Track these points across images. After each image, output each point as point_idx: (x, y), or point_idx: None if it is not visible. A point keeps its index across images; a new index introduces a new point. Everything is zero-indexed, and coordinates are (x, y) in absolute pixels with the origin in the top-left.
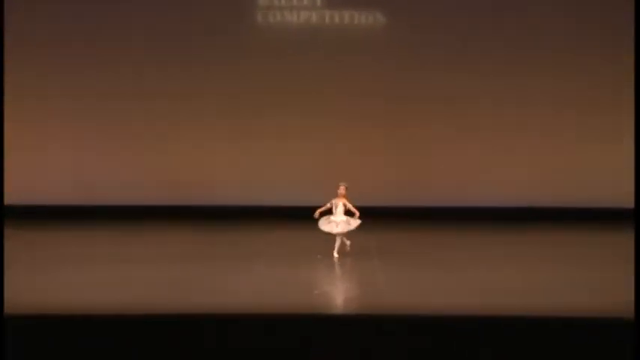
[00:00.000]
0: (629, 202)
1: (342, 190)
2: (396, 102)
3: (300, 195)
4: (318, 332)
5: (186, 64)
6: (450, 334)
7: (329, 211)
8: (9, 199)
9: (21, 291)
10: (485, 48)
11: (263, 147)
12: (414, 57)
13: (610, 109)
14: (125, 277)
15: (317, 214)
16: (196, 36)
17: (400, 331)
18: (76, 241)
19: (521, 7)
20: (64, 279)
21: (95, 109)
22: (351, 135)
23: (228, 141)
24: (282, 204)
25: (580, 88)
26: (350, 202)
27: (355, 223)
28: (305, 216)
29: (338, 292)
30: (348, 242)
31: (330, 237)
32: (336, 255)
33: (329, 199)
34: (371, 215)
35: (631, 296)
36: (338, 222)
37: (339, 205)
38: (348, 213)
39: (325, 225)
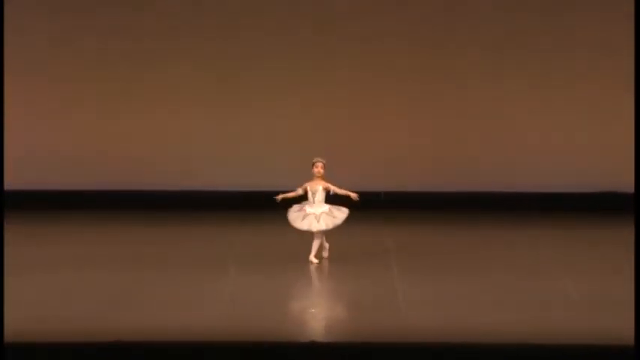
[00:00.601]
0: None
1: (319, 168)
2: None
3: (289, 179)
4: None
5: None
6: None
7: (300, 199)
8: None
9: None
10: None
11: (247, 117)
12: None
13: None
14: (42, 288)
15: (279, 197)
16: None
17: None
18: None
19: None
20: None
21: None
22: (359, 102)
23: (203, 110)
24: (266, 189)
25: None
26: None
27: (342, 214)
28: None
29: (342, 312)
30: (326, 245)
31: (306, 235)
32: (314, 260)
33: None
34: (386, 205)
35: None
36: (318, 214)
37: (318, 190)
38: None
39: (299, 220)
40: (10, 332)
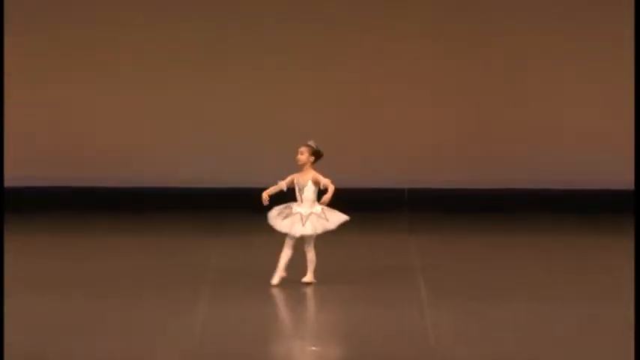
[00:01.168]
0: None
1: (303, 156)
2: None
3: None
4: None
5: None
6: None
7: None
8: None
9: None
10: None
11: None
12: None
13: None
14: None
15: (265, 196)
16: None
17: None
18: None
19: None
20: None
21: None
22: (377, 90)
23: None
24: (252, 185)
25: None
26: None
27: (338, 218)
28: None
29: (351, 351)
30: (312, 259)
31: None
32: (276, 281)
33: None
34: (410, 205)
35: None
36: (306, 215)
37: (307, 183)
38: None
39: (280, 219)
40: None
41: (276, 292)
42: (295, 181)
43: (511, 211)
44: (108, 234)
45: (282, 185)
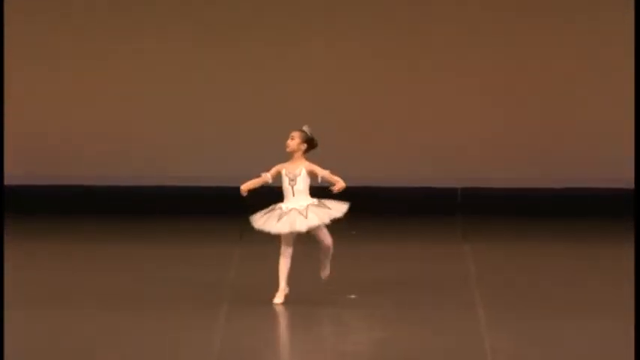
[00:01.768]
0: None
1: (294, 141)
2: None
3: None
4: None
5: None
6: None
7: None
8: None
9: None
10: None
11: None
12: None
13: None
14: None
15: (244, 189)
16: None
17: None
18: None
19: None
20: None
21: None
22: (424, 75)
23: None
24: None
25: None
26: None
27: (341, 206)
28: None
29: None
30: (327, 240)
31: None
32: (279, 299)
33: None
34: (464, 206)
35: None
36: (303, 208)
37: (301, 173)
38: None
39: (274, 221)
40: None
41: (310, 306)
42: (284, 172)
43: (582, 213)
44: (114, 239)
45: (267, 177)
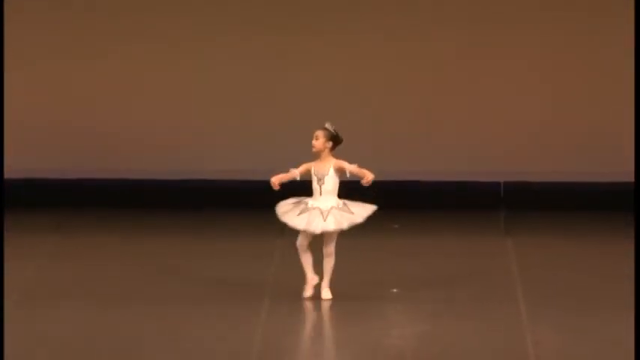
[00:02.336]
0: None
1: (319, 141)
2: None
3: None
4: None
5: None
6: None
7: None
8: None
9: None
10: None
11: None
12: None
13: None
14: None
15: (276, 182)
16: None
17: None
18: None
19: None
20: None
21: None
22: (465, 61)
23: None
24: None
25: None
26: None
27: (364, 210)
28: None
29: None
30: (331, 262)
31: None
32: (309, 293)
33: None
34: (507, 201)
35: None
36: (325, 210)
37: (329, 172)
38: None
39: (294, 214)
40: None
41: (352, 300)
42: (313, 171)
43: (627, 208)
44: (158, 234)
45: (295, 174)
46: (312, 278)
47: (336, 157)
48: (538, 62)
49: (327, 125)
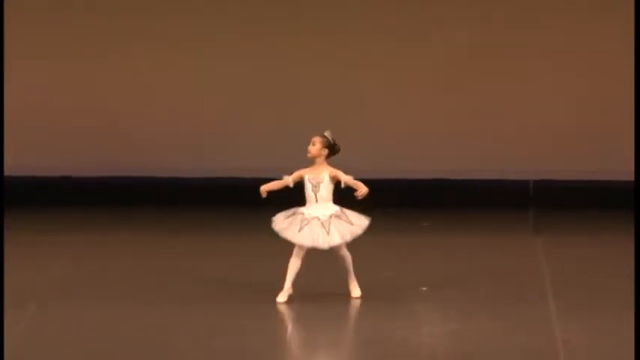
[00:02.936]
0: None
1: (315, 147)
2: None
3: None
4: None
5: None
6: None
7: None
8: None
9: None
10: None
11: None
12: None
13: None
14: None
15: (264, 190)
16: None
17: None
18: None
19: None
20: None
21: None
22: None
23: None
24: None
25: None
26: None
27: (361, 221)
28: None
29: None
30: (347, 259)
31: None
32: (283, 298)
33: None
34: (536, 200)
35: None
36: (326, 219)
37: (324, 179)
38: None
39: (294, 229)
40: None
41: (382, 298)
42: (307, 178)
43: None
44: (178, 231)
45: (289, 181)
46: (288, 288)
47: (333, 165)
48: (566, 62)
49: (326, 133)
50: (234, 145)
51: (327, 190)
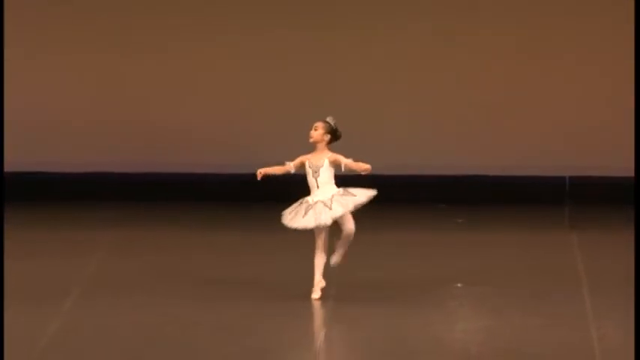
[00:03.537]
0: None
1: (317, 132)
2: None
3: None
4: None
5: None
6: None
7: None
8: None
9: None
10: None
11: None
12: None
13: None
14: None
15: (262, 172)
16: None
17: None
18: None
19: None
20: None
21: None
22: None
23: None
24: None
25: None
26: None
27: (365, 192)
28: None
29: None
30: (350, 226)
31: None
32: (317, 294)
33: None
34: (572, 196)
35: None
36: (327, 201)
37: (324, 164)
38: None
39: (299, 217)
40: None
41: (416, 294)
42: (308, 164)
43: None
44: (201, 227)
45: (290, 167)
46: (319, 281)
47: (333, 150)
48: (602, 59)
49: (329, 119)
50: (257, 141)
51: (326, 173)
